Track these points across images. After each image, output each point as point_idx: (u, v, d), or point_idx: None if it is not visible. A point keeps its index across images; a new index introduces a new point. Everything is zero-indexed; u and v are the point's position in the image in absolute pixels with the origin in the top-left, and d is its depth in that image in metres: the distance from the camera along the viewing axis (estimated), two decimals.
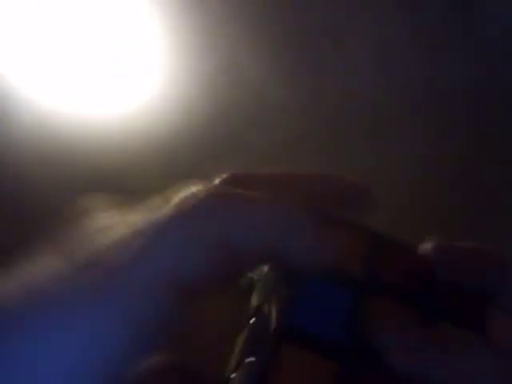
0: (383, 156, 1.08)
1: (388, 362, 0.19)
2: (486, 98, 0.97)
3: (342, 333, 0.20)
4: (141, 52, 0.96)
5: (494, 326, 0.20)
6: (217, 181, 0.22)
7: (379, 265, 0.22)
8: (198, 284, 0.20)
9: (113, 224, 0.21)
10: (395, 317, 0.20)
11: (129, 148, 1.10)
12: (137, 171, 1.12)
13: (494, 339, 0.19)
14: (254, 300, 0.23)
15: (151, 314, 0.19)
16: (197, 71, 0.98)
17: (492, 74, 0.93)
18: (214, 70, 0.97)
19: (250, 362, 0.20)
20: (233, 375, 0.21)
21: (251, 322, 0.22)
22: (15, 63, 0.99)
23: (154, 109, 1.04)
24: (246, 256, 0.20)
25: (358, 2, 0.88)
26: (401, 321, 0.20)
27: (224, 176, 0.22)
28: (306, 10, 0.89)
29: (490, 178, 1.08)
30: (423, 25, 0.89)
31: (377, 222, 0.24)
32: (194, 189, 0.21)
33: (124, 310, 0.18)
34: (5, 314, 0.19)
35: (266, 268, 0.23)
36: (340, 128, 1.05)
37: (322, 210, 0.22)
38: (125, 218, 0.21)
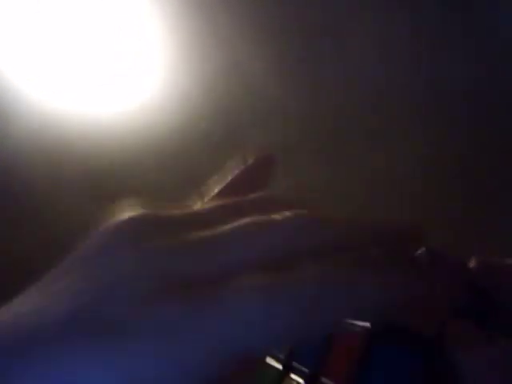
0: (383, 156, 1.08)
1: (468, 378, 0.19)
2: (486, 98, 0.97)
3: None
4: (141, 52, 0.96)
5: None
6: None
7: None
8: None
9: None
10: (469, 333, 0.19)
11: (129, 147, 1.10)
12: (137, 170, 1.12)
13: None
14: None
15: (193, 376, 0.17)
16: (197, 71, 0.98)
17: (492, 73, 0.93)
18: (214, 69, 0.97)
19: None
20: None
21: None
22: (15, 63, 0.99)
23: (154, 109, 1.04)
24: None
25: (358, 2, 0.88)
26: (476, 336, 0.20)
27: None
28: (307, 9, 0.89)
29: (489, 178, 1.08)
30: (423, 25, 0.89)
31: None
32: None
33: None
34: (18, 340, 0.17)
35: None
36: (340, 128, 1.05)
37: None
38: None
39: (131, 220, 0.20)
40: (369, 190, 1.15)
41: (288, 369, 0.21)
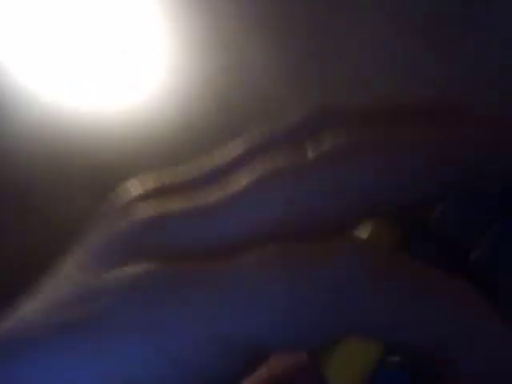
0: None
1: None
2: (487, 99, 0.97)
3: None
4: (141, 49, 0.96)
5: None
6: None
7: None
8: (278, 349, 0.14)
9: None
10: None
11: (128, 145, 1.10)
12: (137, 169, 1.12)
13: None
14: None
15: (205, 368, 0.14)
16: (197, 70, 0.98)
17: (492, 74, 0.93)
18: (215, 68, 0.97)
19: None
20: None
21: None
22: (16, 59, 0.99)
23: (154, 107, 1.04)
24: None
25: (358, 2, 0.88)
26: None
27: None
28: (307, 9, 0.89)
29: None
30: (423, 25, 0.89)
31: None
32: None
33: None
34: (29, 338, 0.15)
35: None
36: None
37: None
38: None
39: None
40: None
41: None
